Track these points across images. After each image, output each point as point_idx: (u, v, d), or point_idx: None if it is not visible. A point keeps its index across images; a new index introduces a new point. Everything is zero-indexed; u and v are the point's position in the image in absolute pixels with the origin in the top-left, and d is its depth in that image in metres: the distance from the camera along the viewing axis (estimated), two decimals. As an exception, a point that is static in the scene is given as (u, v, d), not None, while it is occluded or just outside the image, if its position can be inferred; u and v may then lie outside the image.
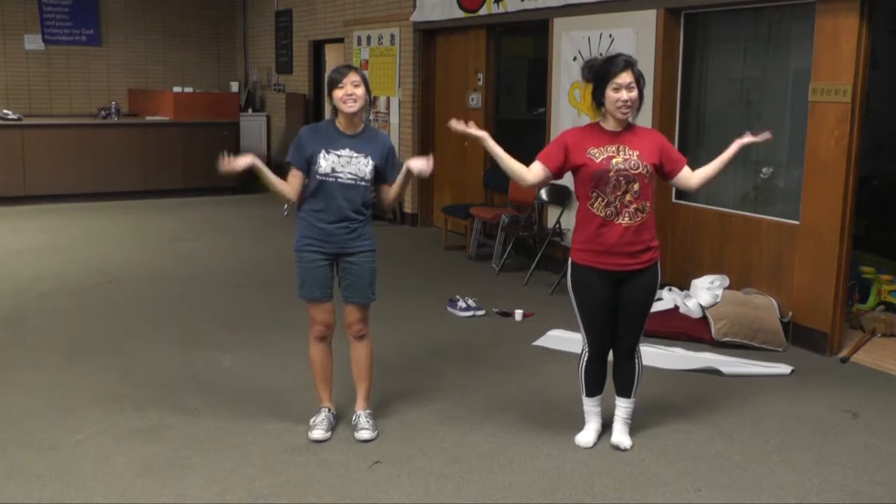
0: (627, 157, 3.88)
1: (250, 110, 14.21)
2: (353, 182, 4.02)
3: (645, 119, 6.73)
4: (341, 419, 4.28)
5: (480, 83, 9.10)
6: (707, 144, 6.77)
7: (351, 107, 3.98)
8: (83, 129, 11.49)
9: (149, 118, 12.14)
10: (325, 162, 3.99)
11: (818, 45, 5.46)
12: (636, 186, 3.88)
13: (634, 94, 3.84)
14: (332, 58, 12.35)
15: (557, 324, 6.05)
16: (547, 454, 4.02)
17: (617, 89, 3.82)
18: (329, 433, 4.14)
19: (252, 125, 13.99)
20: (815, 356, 5.52)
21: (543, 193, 7.74)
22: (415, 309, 6.52)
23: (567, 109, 7.53)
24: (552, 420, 4.43)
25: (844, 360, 5.45)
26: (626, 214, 3.90)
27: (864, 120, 5.40)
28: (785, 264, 5.84)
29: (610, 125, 3.95)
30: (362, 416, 4.19)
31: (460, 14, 8.92)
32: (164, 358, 5.30)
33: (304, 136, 4.08)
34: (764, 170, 6.22)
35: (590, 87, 3.99)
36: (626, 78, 3.81)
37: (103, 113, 12.22)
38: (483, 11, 8.58)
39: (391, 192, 4.19)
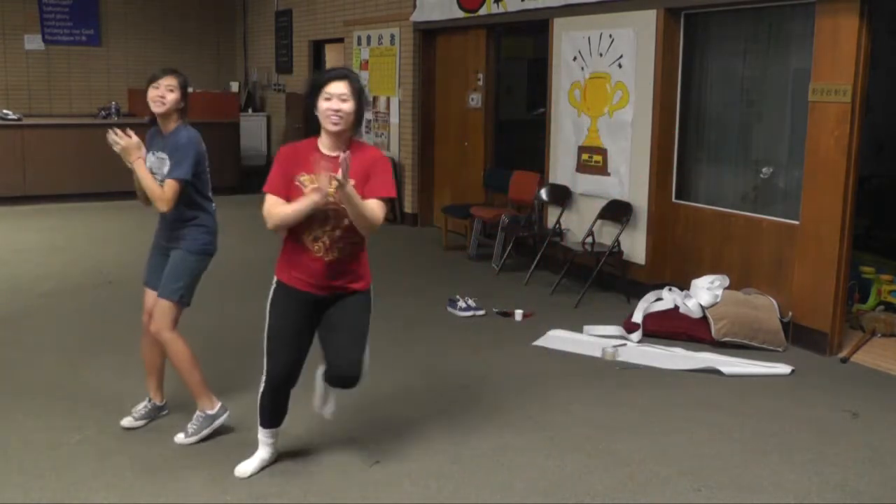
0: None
1: (250, 110, 14.22)
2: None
3: (645, 119, 6.76)
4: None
5: (480, 83, 9.10)
6: (707, 144, 6.78)
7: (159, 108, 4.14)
8: (83, 129, 11.48)
9: (149, 118, 12.12)
10: (148, 162, 4.19)
11: (818, 45, 5.46)
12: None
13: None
14: (332, 58, 12.35)
15: (557, 324, 6.05)
16: (547, 454, 4.02)
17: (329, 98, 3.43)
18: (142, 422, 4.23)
19: (252, 125, 13.99)
20: (815, 356, 5.52)
21: (543, 193, 7.74)
22: (415, 309, 6.52)
23: (567, 109, 7.53)
24: (552, 420, 4.43)
25: (844, 360, 5.45)
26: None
27: (864, 120, 5.40)
28: (785, 264, 5.84)
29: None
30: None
31: (460, 14, 8.92)
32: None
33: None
34: (764, 170, 6.23)
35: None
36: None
37: (103, 113, 12.22)
38: (483, 11, 8.58)
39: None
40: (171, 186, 4.06)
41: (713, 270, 6.25)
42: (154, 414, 4.32)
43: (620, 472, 3.85)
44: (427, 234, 9.66)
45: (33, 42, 13.53)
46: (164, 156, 4.14)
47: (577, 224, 7.44)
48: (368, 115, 10.83)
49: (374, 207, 3.43)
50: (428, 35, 9.80)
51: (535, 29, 8.12)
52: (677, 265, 6.66)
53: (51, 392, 4.69)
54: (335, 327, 3.65)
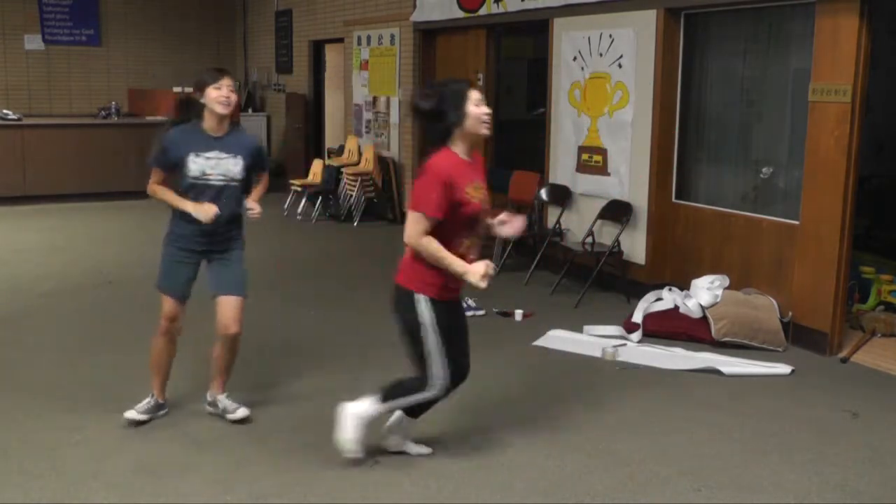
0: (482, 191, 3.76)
1: (250, 110, 14.22)
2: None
3: (645, 119, 6.76)
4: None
5: (480, 83, 9.09)
6: (707, 144, 6.78)
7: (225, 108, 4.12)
8: (83, 129, 11.48)
9: (149, 118, 12.13)
10: (195, 165, 4.15)
11: (818, 45, 5.46)
12: None
13: None
14: (332, 58, 12.35)
15: (557, 324, 6.05)
16: (547, 454, 4.02)
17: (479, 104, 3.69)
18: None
19: (252, 125, 13.96)
20: (815, 356, 5.51)
21: (543, 193, 7.74)
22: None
23: (567, 109, 7.53)
24: (552, 420, 4.43)
25: (844, 360, 5.45)
26: None
27: (864, 120, 5.40)
28: (785, 264, 5.84)
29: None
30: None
31: (460, 14, 8.92)
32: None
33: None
34: (764, 170, 6.23)
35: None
36: None
37: (103, 113, 12.22)
38: (483, 11, 8.58)
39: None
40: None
41: (713, 270, 6.25)
42: (155, 412, 4.33)
43: (620, 472, 3.85)
44: (427, 234, 9.64)
45: (33, 42, 13.53)
46: (226, 156, 4.13)
47: (577, 224, 7.44)
48: (368, 115, 10.83)
49: None
50: (428, 35, 9.80)
51: (535, 29, 8.12)
52: (677, 265, 6.66)
53: (51, 392, 4.69)
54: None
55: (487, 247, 8.21)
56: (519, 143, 9.02)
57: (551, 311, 6.41)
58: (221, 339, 4.28)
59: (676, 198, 6.76)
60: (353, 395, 4.33)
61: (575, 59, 7.40)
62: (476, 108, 3.63)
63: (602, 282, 6.98)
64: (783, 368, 5.24)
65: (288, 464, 3.88)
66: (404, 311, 3.66)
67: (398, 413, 3.90)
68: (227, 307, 4.23)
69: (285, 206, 10.85)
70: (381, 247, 8.76)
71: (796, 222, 5.73)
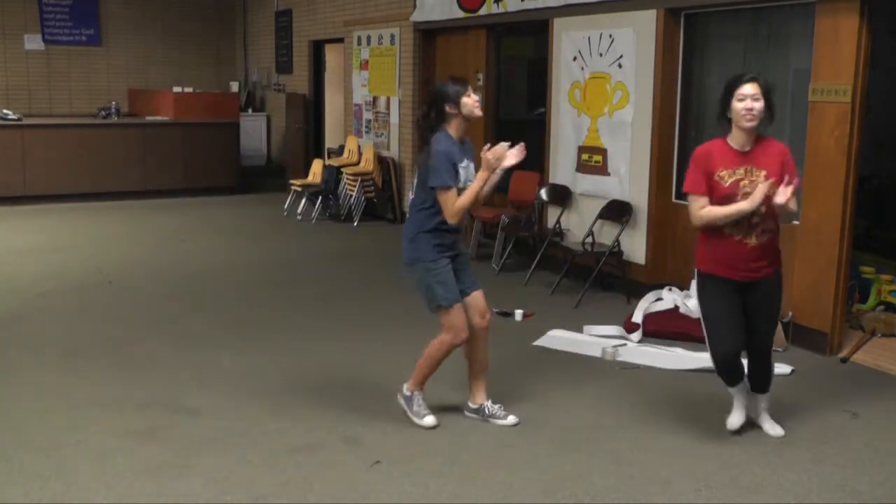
0: (754, 178, 3.97)
1: (250, 110, 14.22)
2: None
3: (645, 119, 6.76)
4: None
5: (480, 83, 9.09)
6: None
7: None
8: (83, 129, 11.49)
9: (149, 118, 12.14)
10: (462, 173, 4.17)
11: (818, 45, 5.46)
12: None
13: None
14: (332, 58, 12.35)
15: (557, 324, 6.05)
16: (547, 454, 4.02)
17: (742, 99, 3.91)
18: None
19: (252, 125, 13.99)
20: (815, 356, 5.52)
21: (543, 193, 7.74)
22: (415, 309, 6.51)
23: (567, 109, 7.53)
24: (552, 420, 4.43)
25: (844, 360, 5.45)
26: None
27: (864, 120, 5.40)
28: (785, 264, 5.82)
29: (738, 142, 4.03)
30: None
31: (460, 14, 8.92)
32: (163, 358, 5.30)
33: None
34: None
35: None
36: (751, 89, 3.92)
37: (103, 113, 12.22)
38: (483, 11, 8.58)
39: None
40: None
41: (713, 270, 6.23)
42: (483, 414, 4.39)
43: (620, 472, 3.85)
44: (427, 234, 9.64)
45: (33, 42, 13.53)
46: (469, 162, 4.21)
47: (577, 224, 7.44)
48: (368, 115, 10.84)
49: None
50: (428, 35, 9.80)
51: (535, 29, 8.12)
52: (677, 265, 6.66)
53: (50, 392, 4.69)
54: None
55: (487, 246, 8.24)
56: (519, 142, 9.00)
57: (551, 311, 6.41)
58: (479, 330, 4.39)
59: (676, 198, 6.75)
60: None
61: (575, 59, 7.40)
62: (738, 102, 3.99)
63: (602, 282, 6.99)
64: (783, 368, 5.23)
65: (288, 464, 3.88)
66: None
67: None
68: (479, 299, 4.35)
69: (285, 206, 10.86)
70: (381, 247, 8.75)
71: (796, 222, 5.73)
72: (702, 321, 4.19)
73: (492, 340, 5.75)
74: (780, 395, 4.83)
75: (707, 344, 4.19)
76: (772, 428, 4.27)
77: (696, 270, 4.22)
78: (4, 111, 11.43)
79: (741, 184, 3.96)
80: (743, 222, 3.96)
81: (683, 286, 6.21)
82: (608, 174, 7.13)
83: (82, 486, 3.65)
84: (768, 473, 3.86)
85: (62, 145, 11.14)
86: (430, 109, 4.18)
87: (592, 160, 7.28)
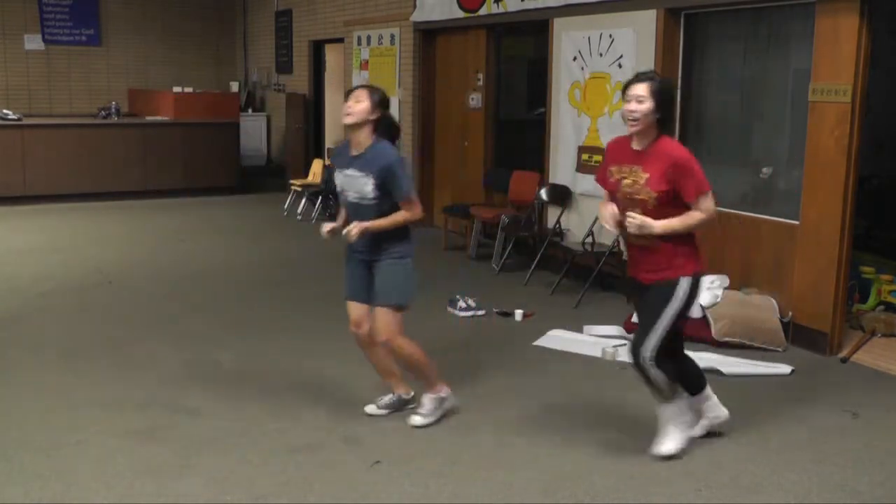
0: (637, 179, 3.81)
1: (250, 110, 14.22)
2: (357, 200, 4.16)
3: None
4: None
5: (480, 83, 9.10)
6: (707, 144, 6.77)
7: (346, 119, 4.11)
8: (83, 129, 11.49)
9: (149, 118, 12.14)
10: (337, 180, 4.23)
11: (818, 45, 5.46)
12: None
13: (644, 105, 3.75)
14: (332, 58, 12.35)
15: (557, 324, 6.05)
16: (547, 454, 4.02)
17: (628, 101, 3.80)
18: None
19: (252, 125, 13.99)
20: (815, 356, 5.52)
21: (543, 193, 7.74)
22: (415, 309, 6.49)
23: (567, 109, 7.53)
24: (552, 420, 4.43)
25: (844, 360, 5.45)
26: None
27: (864, 120, 5.40)
28: (785, 264, 5.84)
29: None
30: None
31: (460, 14, 8.92)
32: (163, 358, 5.30)
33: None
34: (764, 170, 6.22)
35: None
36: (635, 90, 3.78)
37: (103, 113, 12.22)
38: (483, 11, 8.58)
39: None
40: (408, 203, 4.19)
41: (713, 270, 6.23)
42: (400, 406, 4.42)
43: (620, 472, 3.85)
44: (427, 234, 9.65)
45: (33, 42, 13.53)
46: (359, 174, 4.14)
47: (577, 224, 7.44)
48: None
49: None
50: (428, 35, 9.80)
51: (535, 29, 8.12)
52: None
53: (51, 392, 4.69)
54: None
55: (487, 246, 8.24)
56: (519, 143, 9.02)
57: (551, 311, 6.41)
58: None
59: (676, 198, 6.75)
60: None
61: (575, 59, 7.40)
62: (624, 104, 3.85)
63: (602, 282, 6.99)
64: (783, 368, 5.24)
65: (287, 464, 3.88)
66: None
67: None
68: (375, 318, 4.31)
69: (285, 206, 10.86)
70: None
71: (796, 222, 5.73)
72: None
73: (492, 340, 5.78)
74: (780, 395, 4.83)
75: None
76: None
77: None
78: (4, 111, 11.43)
79: (623, 182, 3.82)
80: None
81: (683, 286, 6.19)
82: (608, 174, 7.11)
83: (82, 486, 3.65)
84: (768, 473, 3.86)
85: (62, 145, 11.14)
86: None
87: (592, 160, 7.28)
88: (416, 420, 4.30)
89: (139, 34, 14.22)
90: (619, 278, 6.91)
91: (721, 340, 5.61)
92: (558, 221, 7.61)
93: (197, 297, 6.77)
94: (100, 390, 4.73)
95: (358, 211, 4.17)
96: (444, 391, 4.36)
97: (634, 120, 3.75)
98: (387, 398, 4.46)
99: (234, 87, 14.64)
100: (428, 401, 4.33)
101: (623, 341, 5.71)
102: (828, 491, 3.72)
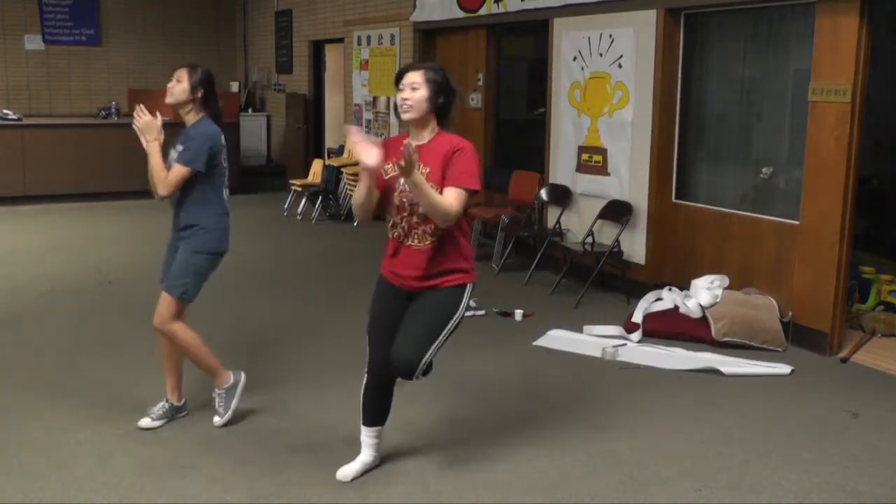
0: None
1: (250, 110, 14.22)
2: None
3: (645, 119, 6.75)
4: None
5: (480, 83, 9.10)
6: (707, 144, 6.78)
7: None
8: (83, 129, 11.49)
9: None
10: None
11: (818, 45, 5.46)
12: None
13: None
14: (332, 58, 12.35)
15: (557, 324, 6.05)
16: (547, 454, 4.02)
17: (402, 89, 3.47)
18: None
19: (252, 125, 13.99)
20: (815, 356, 5.52)
21: (543, 193, 7.74)
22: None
23: (567, 109, 7.53)
24: (552, 420, 4.43)
25: (844, 360, 5.45)
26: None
27: (864, 120, 5.40)
28: (785, 264, 5.84)
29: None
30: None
31: (460, 14, 8.92)
32: (164, 358, 5.29)
33: None
34: (764, 170, 6.22)
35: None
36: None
37: (103, 113, 12.22)
38: (483, 11, 8.58)
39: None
40: (176, 171, 4.14)
41: (713, 270, 6.24)
42: (172, 414, 4.32)
43: (620, 472, 3.85)
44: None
45: (33, 42, 13.53)
46: (179, 147, 4.17)
47: (577, 224, 7.44)
48: (368, 115, 10.83)
49: (448, 197, 3.35)
50: (428, 35, 9.80)
51: (535, 29, 8.12)
52: (677, 265, 6.66)
53: (51, 392, 4.69)
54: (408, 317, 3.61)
55: (487, 246, 8.24)
56: (519, 143, 9.02)
57: (551, 311, 6.41)
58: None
59: (676, 198, 6.76)
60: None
61: (575, 59, 7.40)
62: (398, 92, 3.48)
63: (602, 282, 6.99)
64: (783, 368, 5.24)
65: (288, 464, 3.88)
66: None
67: None
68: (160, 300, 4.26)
69: (285, 206, 10.86)
70: (381, 247, 8.74)
71: (796, 222, 5.73)
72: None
73: (492, 340, 5.78)
74: (780, 395, 4.83)
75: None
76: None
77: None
78: (4, 111, 11.43)
79: (401, 181, 3.37)
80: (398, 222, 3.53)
81: (683, 286, 6.21)
82: (608, 174, 7.13)
83: (82, 486, 3.65)
84: (768, 473, 3.86)
85: (62, 145, 11.14)
86: None
87: (592, 160, 7.28)
88: (216, 420, 4.24)
89: (139, 34, 14.22)
90: (619, 278, 6.91)
91: (721, 340, 5.61)
92: (558, 221, 7.61)
93: (196, 297, 6.75)
94: (100, 390, 4.73)
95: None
96: (230, 377, 4.27)
97: (409, 108, 3.41)
98: (158, 407, 4.31)
99: (234, 87, 14.64)
100: (218, 396, 4.28)
101: (623, 341, 5.71)
102: (828, 491, 3.72)
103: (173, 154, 4.18)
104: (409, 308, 3.61)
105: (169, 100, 4.16)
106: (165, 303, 4.23)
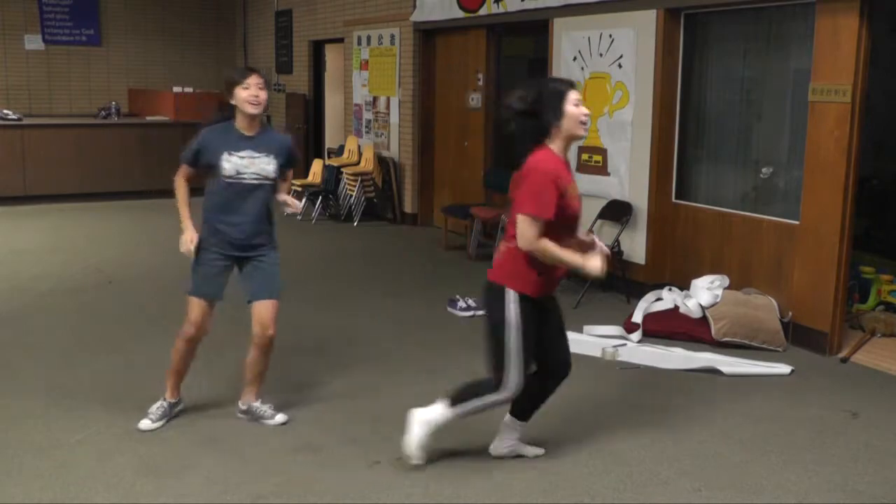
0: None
1: (250, 110, 14.19)
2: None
3: (645, 119, 6.76)
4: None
5: (480, 83, 9.10)
6: (707, 144, 6.78)
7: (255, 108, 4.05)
8: (83, 129, 11.49)
9: (149, 118, 12.14)
10: (229, 164, 4.10)
11: (818, 45, 5.46)
12: None
13: None
14: (332, 58, 12.35)
15: (557, 324, 6.05)
16: (547, 454, 4.02)
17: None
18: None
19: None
20: (815, 356, 5.52)
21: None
22: (415, 309, 6.52)
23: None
24: (552, 420, 4.43)
25: (844, 360, 5.45)
26: None
27: (864, 120, 5.40)
28: (785, 264, 5.84)
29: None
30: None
31: (460, 14, 8.92)
32: (163, 358, 5.27)
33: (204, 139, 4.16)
34: (764, 170, 6.22)
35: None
36: None
37: (103, 113, 12.22)
38: (483, 11, 8.58)
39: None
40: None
41: (713, 270, 6.25)
42: (171, 412, 4.33)
43: (620, 472, 3.85)
44: (427, 234, 9.66)
45: (33, 42, 13.52)
46: (259, 155, 4.11)
47: (577, 224, 7.42)
48: (369, 115, 10.84)
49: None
50: (428, 35, 9.80)
51: (535, 29, 8.12)
52: (677, 265, 6.66)
53: (51, 392, 4.69)
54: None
55: (487, 246, 8.23)
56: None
57: (551, 311, 6.40)
58: (257, 342, 4.27)
59: (676, 198, 6.76)
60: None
61: (575, 59, 7.40)
62: (575, 108, 3.51)
63: (602, 282, 6.97)
64: (783, 368, 5.24)
65: (288, 464, 3.88)
66: (492, 309, 3.63)
67: (507, 417, 3.91)
68: (263, 310, 4.23)
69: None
70: (381, 247, 8.76)
71: (796, 222, 5.73)
72: (518, 351, 3.67)
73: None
74: (780, 395, 4.83)
75: (511, 378, 3.68)
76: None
77: (515, 294, 3.67)
78: (4, 111, 11.44)
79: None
80: None
81: (683, 286, 6.21)
82: (608, 174, 7.13)
83: (82, 486, 3.65)
84: (768, 473, 3.86)
85: (62, 145, 11.14)
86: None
87: (592, 160, 7.28)
88: (279, 419, 4.31)
89: (139, 34, 14.22)
90: (619, 278, 6.90)
91: (721, 340, 5.61)
92: (558, 221, 7.59)
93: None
94: (100, 390, 4.73)
95: (256, 192, 4.18)
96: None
97: (583, 123, 3.53)
98: (156, 407, 4.33)
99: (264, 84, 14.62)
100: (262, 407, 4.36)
101: (623, 341, 5.71)
102: (828, 491, 3.72)
103: (238, 161, 4.11)
104: (551, 313, 3.86)
105: (257, 110, 4.07)
106: (275, 309, 4.25)
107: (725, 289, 5.97)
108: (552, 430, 4.29)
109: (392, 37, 10.16)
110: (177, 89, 12.19)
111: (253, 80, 4.03)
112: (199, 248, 4.22)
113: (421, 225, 10.11)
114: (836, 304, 5.50)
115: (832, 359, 5.49)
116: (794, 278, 5.72)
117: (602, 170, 7.18)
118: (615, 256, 6.85)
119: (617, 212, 6.95)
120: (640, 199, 6.84)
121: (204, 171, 4.20)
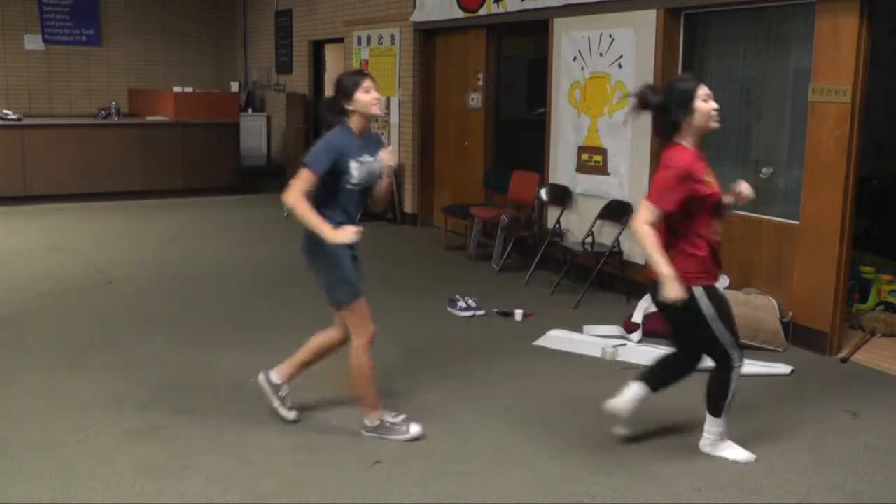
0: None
1: (250, 110, 14.22)
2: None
3: (645, 119, 6.73)
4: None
5: (480, 83, 9.10)
6: (706, 144, 6.76)
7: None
8: (83, 129, 11.48)
9: (149, 118, 12.13)
10: (357, 170, 4.00)
11: (818, 45, 5.46)
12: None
13: None
14: (332, 58, 12.36)
15: (557, 324, 6.05)
16: (547, 454, 4.02)
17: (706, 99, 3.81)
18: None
19: (252, 125, 13.99)
20: (815, 356, 5.52)
21: (543, 193, 7.74)
22: (415, 309, 6.52)
23: (567, 109, 7.53)
24: (552, 420, 4.43)
25: (844, 360, 5.45)
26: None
27: (864, 120, 5.40)
28: (785, 264, 5.84)
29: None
30: None
31: (460, 14, 8.92)
32: (164, 358, 5.30)
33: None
34: (764, 170, 6.22)
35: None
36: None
37: (103, 113, 12.22)
38: (483, 11, 8.58)
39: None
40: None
41: (713, 270, 6.24)
42: (399, 426, 4.20)
43: (620, 472, 3.85)
44: (427, 234, 9.66)
45: (33, 42, 13.53)
46: (370, 158, 4.08)
47: (577, 224, 7.44)
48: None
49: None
50: (428, 35, 9.80)
51: (535, 29, 8.12)
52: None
53: (51, 392, 4.69)
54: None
55: (487, 246, 8.24)
56: (519, 143, 9.02)
57: (551, 311, 6.41)
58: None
59: (676, 198, 6.75)
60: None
61: (575, 59, 7.40)
62: (705, 103, 3.85)
63: (602, 282, 6.99)
64: (783, 368, 5.24)
65: (288, 464, 3.88)
66: (684, 310, 3.83)
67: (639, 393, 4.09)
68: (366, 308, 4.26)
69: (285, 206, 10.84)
70: (381, 246, 8.76)
71: (796, 222, 5.73)
72: (724, 331, 4.00)
73: (492, 340, 5.78)
74: (780, 395, 4.84)
75: (733, 354, 4.03)
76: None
77: (700, 289, 3.95)
78: (4, 111, 11.43)
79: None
80: None
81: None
82: (608, 174, 7.13)
83: (82, 486, 3.65)
84: (768, 473, 3.86)
85: (62, 145, 11.13)
86: (335, 100, 4.06)
87: (592, 160, 7.29)
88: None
89: (139, 34, 14.23)
90: (619, 278, 6.91)
91: (721, 340, 5.60)
92: (558, 221, 7.61)
93: (197, 297, 6.77)
94: (100, 390, 4.73)
95: (363, 197, 4.13)
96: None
97: (714, 117, 3.88)
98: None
99: (234, 87, 14.64)
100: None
101: (623, 341, 5.71)
102: (828, 491, 3.72)
103: (377, 167, 4.08)
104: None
105: (381, 111, 4.12)
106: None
107: (725, 289, 5.97)
108: (552, 430, 4.29)
109: (392, 37, 10.16)
110: (177, 89, 12.18)
111: (370, 83, 4.01)
112: (336, 254, 4.12)
113: (421, 225, 10.11)
114: (836, 304, 5.50)
115: (832, 359, 5.49)
116: (794, 278, 5.72)
117: (602, 170, 7.18)
118: (615, 256, 6.86)
119: (617, 212, 6.95)
120: (640, 199, 6.82)
121: (324, 178, 3.98)
